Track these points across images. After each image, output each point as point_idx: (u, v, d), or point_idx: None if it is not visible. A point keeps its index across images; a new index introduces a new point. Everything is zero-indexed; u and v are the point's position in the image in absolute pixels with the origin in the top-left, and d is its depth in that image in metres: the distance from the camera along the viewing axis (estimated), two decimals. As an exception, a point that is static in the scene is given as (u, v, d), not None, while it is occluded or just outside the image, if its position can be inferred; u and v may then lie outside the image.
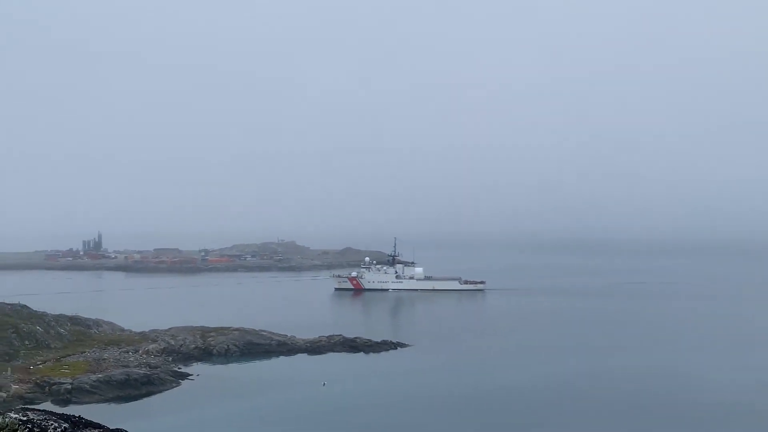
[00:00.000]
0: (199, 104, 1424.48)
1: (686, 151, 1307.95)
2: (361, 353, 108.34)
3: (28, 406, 20.21)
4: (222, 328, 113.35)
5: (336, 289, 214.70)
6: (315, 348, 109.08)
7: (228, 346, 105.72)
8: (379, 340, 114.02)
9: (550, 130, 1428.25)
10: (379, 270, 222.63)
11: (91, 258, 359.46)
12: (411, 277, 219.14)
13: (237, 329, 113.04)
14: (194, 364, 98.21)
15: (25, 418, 13.09)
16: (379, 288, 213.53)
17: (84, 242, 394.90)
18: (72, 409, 64.40)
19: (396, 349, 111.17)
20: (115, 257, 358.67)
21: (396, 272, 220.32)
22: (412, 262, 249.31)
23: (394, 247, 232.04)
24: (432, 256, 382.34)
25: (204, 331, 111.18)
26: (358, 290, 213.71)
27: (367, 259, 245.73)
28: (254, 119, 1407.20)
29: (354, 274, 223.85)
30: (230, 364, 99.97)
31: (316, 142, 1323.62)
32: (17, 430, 12.70)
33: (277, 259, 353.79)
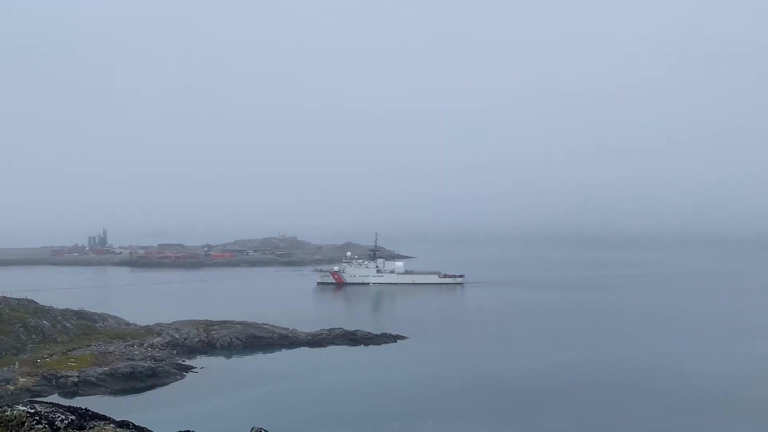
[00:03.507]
0: (203, 109, 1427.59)
1: (681, 155, 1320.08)
2: (362, 345, 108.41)
3: (36, 399, 20.26)
4: (225, 322, 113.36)
5: (318, 283, 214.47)
6: (316, 341, 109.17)
7: (231, 339, 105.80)
8: (378, 333, 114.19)
9: (549, 131, 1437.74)
10: (361, 264, 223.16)
11: (97, 253, 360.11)
12: (391, 272, 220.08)
13: (240, 323, 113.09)
14: (198, 357, 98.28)
15: (32, 411, 13.12)
16: (361, 282, 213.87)
17: (89, 238, 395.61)
18: (78, 402, 64.37)
19: (395, 341, 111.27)
20: (120, 252, 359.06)
21: (377, 266, 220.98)
22: (394, 257, 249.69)
23: (375, 241, 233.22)
24: (425, 249, 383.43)
25: (207, 325, 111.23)
26: (339, 284, 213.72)
27: (348, 253, 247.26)
28: (259, 119, 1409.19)
29: (336, 268, 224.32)
30: (233, 357, 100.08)
31: (320, 141, 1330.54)
32: (25, 422, 12.74)
33: (278, 254, 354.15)
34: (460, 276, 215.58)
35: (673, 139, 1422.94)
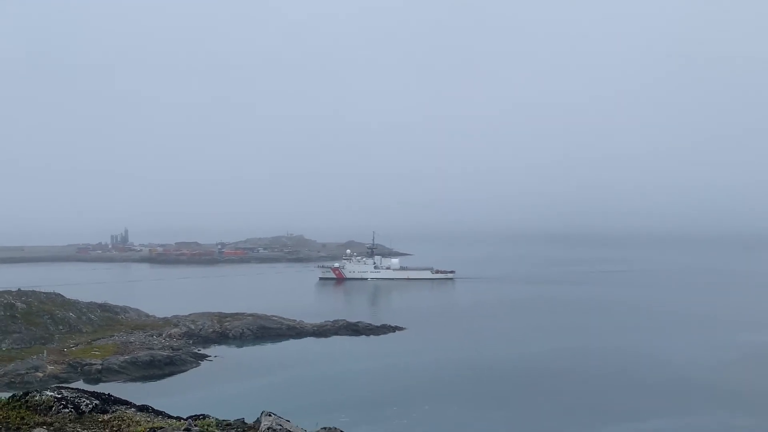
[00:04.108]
0: (219, 118, 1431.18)
1: (680, 157, 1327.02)
2: (363, 336, 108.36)
3: (63, 385, 20.26)
4: (237, 314, 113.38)
5: (320, 278, 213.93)
6: (321, 331, 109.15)
7: (242, 330, 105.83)
8: (378, 324, 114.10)
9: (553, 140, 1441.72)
10: (359, 261, 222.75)
11: (119, 251, 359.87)
12: (388, 268, 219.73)
13: (251, 315, 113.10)
14: (212, 346, 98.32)
15: (59, 396, 13.16)
16: (359, 277, 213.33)
17: (112, 236, 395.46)
18: (102, 387, 64.42)
19: (394, 332, 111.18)
20: (141, 250, 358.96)
21: (374, 263, 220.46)
22: (391, 253, 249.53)
23: (373, 239, 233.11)
24: (424, 247, 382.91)
25: (221, 317, 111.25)
26: (340, 279, 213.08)
27: (348, 251, 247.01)
28: (269, 127, 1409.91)
29: (337, 264, 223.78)
30: (245, 347, 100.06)
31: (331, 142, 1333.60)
32: (53, 406, 12.77)
33: (286, 251, 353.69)
34: (451, 272, 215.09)
35: (672, 142, 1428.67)
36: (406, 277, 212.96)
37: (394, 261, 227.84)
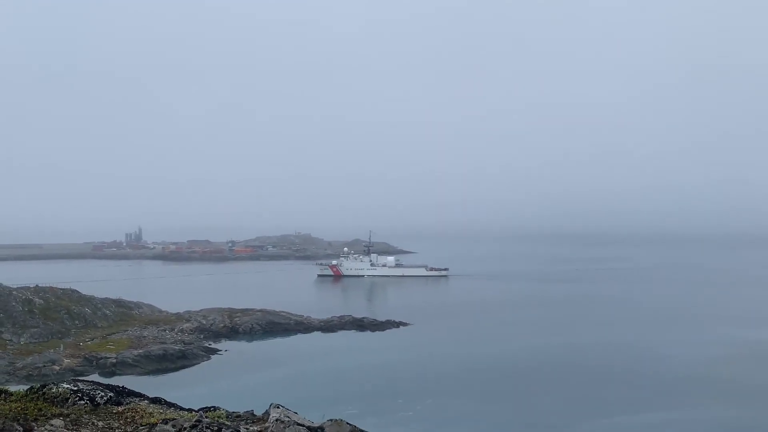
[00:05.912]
0: (232, 122, 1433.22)
1: (679, 158, 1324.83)
2: (368, 331, 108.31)
3: (79, 378, 20.32)
4: (247, 310, 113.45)
5: (318, 275, 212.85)
6: (328, 326, 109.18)
7: (252, 325, 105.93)
8: (383, 320, 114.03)
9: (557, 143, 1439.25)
10: (356, 258, 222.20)
11: (133, 248, 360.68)
12: (384, 265, 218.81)
13: (260, 310, 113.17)
14: (223, 340, 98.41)
15: (75, 388, 13.19)
16: (356, 274, 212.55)
17: (126, 235, 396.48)
18: (116, 380, 64.55)
19: (398, 327, 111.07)
20: (154, 248, 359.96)
21: (371, 261, 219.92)
22: (388, 251, 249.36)
23: (369, 238, 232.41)
24: (429, 245, 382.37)
25: (231, 312, 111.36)
26: (337, 276, 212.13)
27: (345, 249, 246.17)
28: (279, 130, 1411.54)
29: (334, 262, 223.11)
30: (254, 341, 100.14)
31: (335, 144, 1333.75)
32: (69, 398, 12.80)
33: (294, 249, 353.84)
34: (445, 269, 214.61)
35: (672, 143, 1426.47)
36: (401, 274, 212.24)
37: (390, 259, 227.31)
